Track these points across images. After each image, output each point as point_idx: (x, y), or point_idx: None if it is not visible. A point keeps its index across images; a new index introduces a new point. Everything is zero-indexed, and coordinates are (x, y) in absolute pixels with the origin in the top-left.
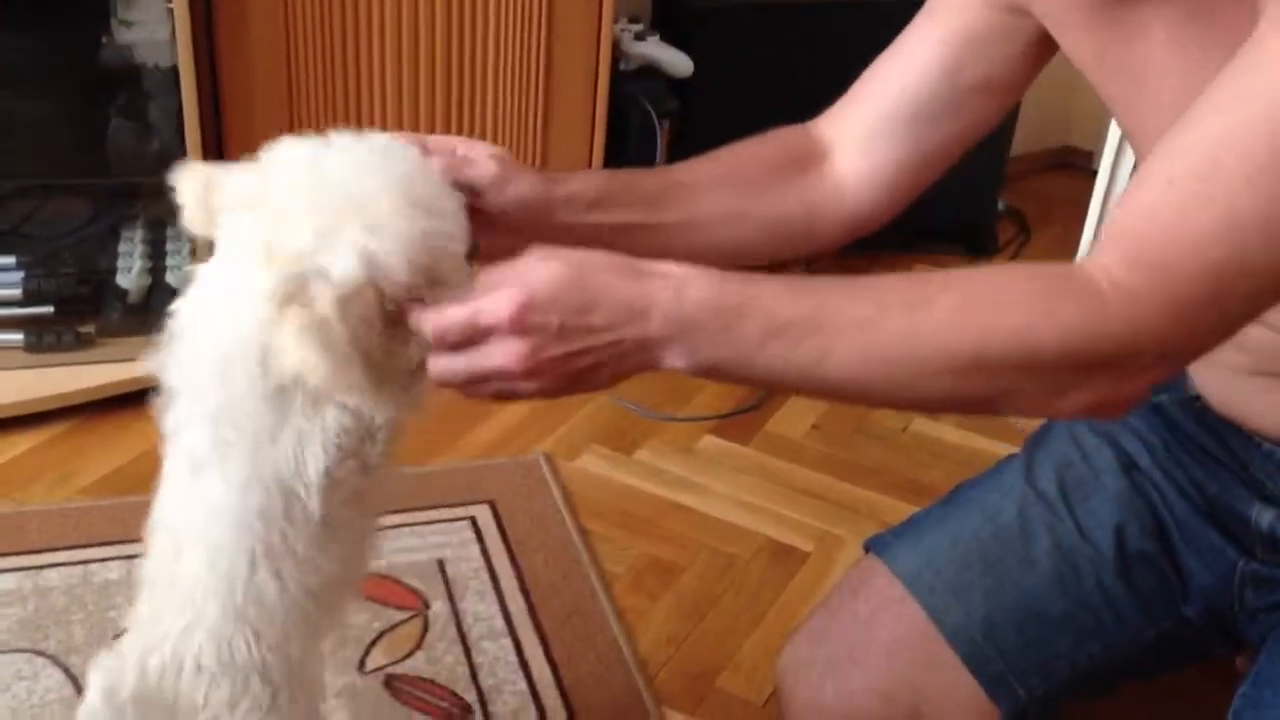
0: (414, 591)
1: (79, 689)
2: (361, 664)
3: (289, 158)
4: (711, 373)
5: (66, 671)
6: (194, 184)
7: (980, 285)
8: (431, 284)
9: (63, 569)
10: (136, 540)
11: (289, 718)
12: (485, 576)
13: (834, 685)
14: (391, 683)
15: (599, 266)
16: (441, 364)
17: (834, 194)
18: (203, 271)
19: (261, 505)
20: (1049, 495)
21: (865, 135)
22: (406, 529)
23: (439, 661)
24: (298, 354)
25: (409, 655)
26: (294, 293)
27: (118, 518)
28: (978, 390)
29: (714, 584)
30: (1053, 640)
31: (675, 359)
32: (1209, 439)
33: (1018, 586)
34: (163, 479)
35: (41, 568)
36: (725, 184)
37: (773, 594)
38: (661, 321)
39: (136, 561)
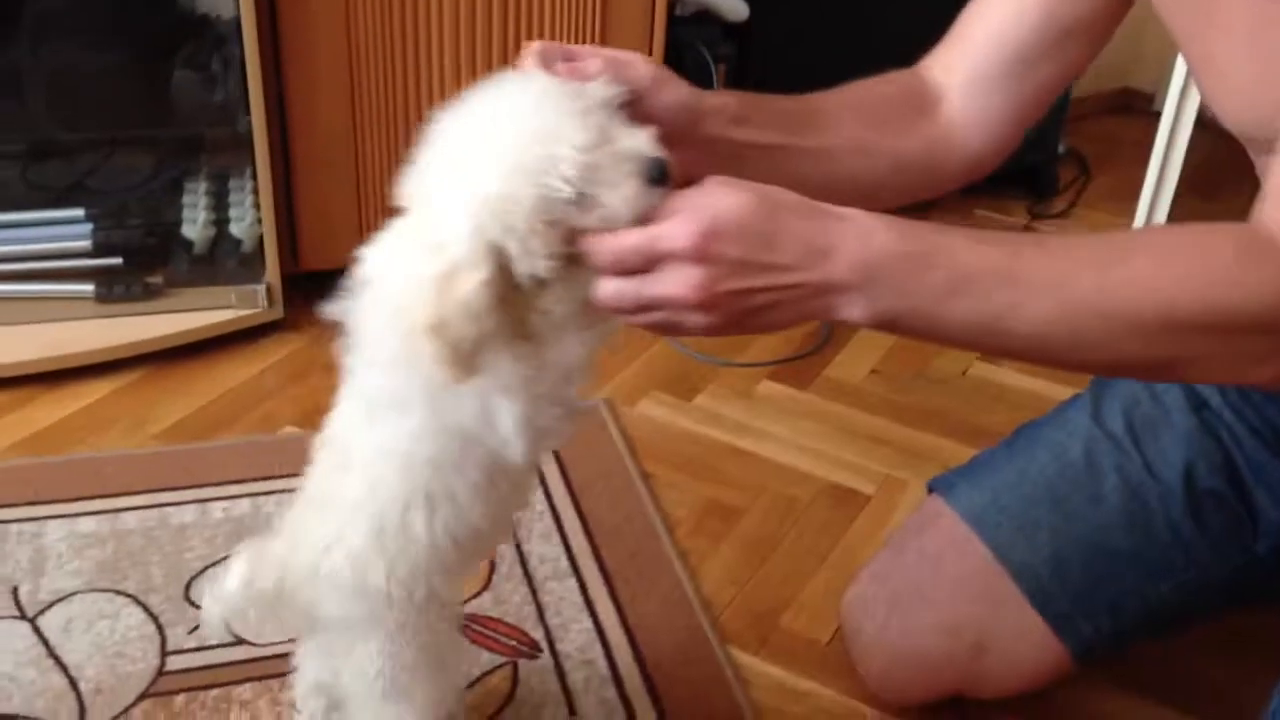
0: None
1: (159, 626)
2: None
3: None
4: (891, 324)
5: (146, 610)
6: None
7: (1173, 245)
8: (589, 211)
9: (139, 512)
10: (209, 484)
11: (407, 650)
12: (549, 519)
13: (899, 621)
14: (464, 625)
15: (785, 202)
16: (612, 287)
17: (948, 137)
18: (395, 222)
19: (433, 453)
20: (1116, 433)
21: (970, 80)
22: None
23: (506, 601)
24: (431, 355)
25: (477, 595)
26: (415, 299)
27: (190, 463)
28: (1166, 353)
29: (776, 526)
30: (1121, 578)
31: (855, 308)
32: None
33: (1085, 524)
34: (340, 406)
35: (119, 511)
36: (855, 116)
37: (834, 536)
38: (847, 266)
39: (210, 505)
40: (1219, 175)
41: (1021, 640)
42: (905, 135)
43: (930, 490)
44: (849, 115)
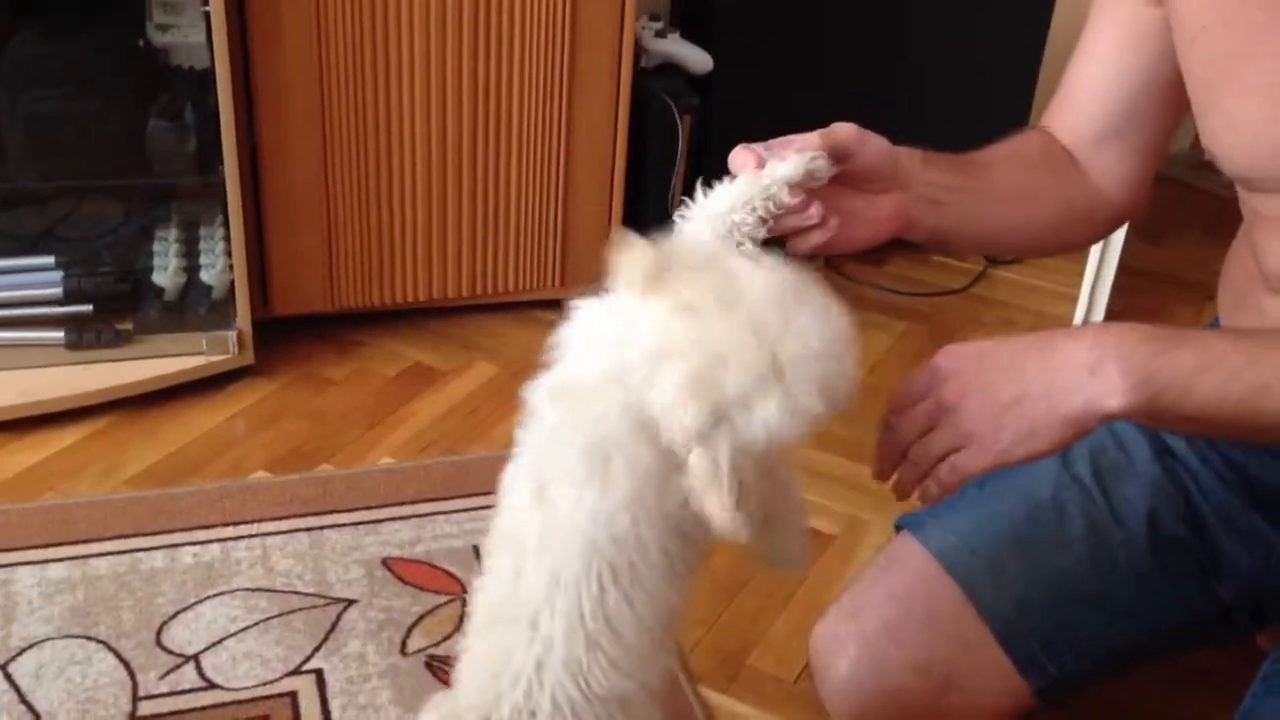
0: (452, 576)
1: (131, 672)
2: (403, 646)
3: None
4: (1149, 404)
5: (118, 655)
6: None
7: None
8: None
9: (110, 558)
10: (179, 529)
11: None
12: None
13: (869, 660)
14: (432, 664)
15: (1001, 362)
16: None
17: (1094, 186)
18: (593, 307)
19: (619, 532)
20: (1083, 479)
21: (1093, 142)
22: (442, 516)
23: None
24: (719, 515)
25: (448, 637)
26: (712, 468)
27: (160, 508)
28: None
29: (742, 567)
30: (1085, 619)
31: (1110, 391)
32: None
33: (1051, 566)
34: (505, 494)
35: (89, 557)
36: (1014, 164)
37: (799, 576)
38: (1086, 346)
39: (180, 550)
40: (1165, 222)
41: (987, 679)
42: (1061, 183)
43: (899, 528)
44: (1009, 163)
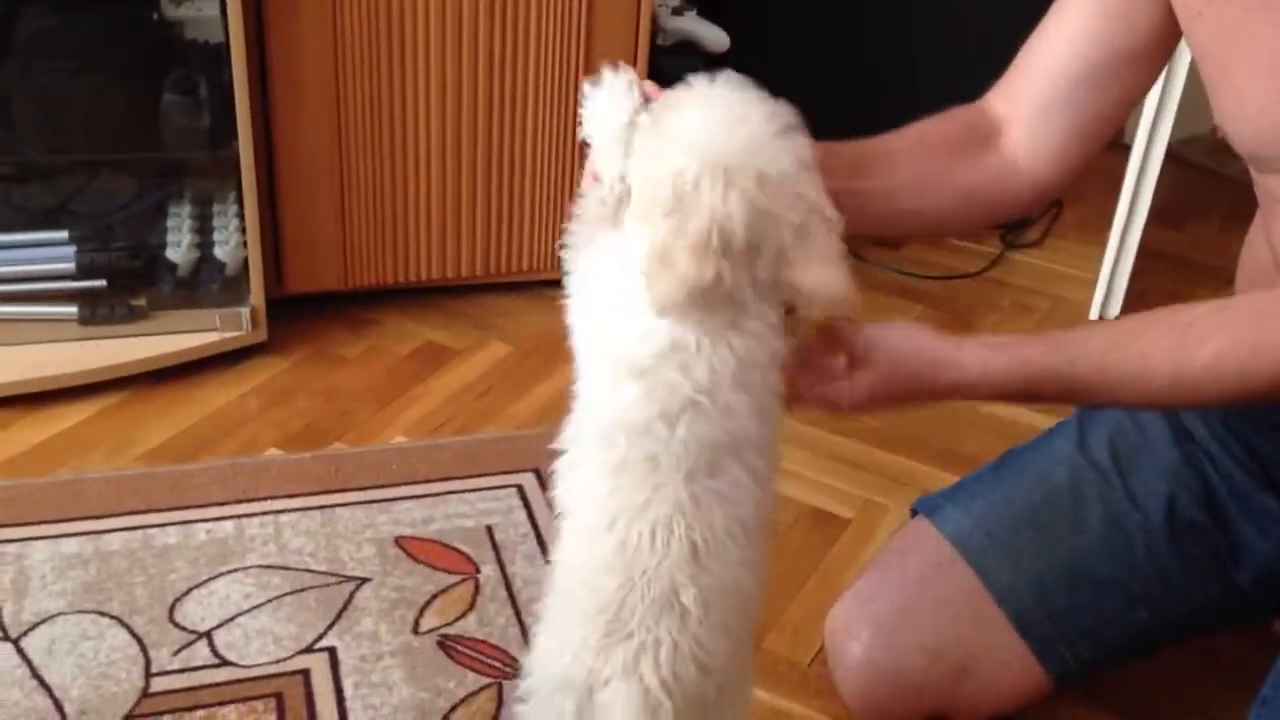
0: (464, 556)
1: (144, 648)
2: (416, 625)
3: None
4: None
5: (130, 631)
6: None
7: (1234, 328)
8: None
9: (123, 533)
10: (192, 506)
11: None
12: (533, 541)
13: (883, 643)
14: (445, 643)
15: (904, 376)
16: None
17: (1012, 167)
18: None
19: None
20: (1101, 463)
21: (1033, 109)
22: (455, 496)
23: (491, 623)
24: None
25: (461, 617)
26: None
27: (173, 484)
28: (1254, 399)
29: None
30: (1102, 604)
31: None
32: (1270, 407)
33: (1068, 550)
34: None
35: (102, 532)
36: (915, 154)
37: (814, 560)
38: (969, 394)
39: (193, 526)
40: (1186, 207)
41: (1003, 663)
42: (965, 168)
43: (914, 512)
44: (910, 154)
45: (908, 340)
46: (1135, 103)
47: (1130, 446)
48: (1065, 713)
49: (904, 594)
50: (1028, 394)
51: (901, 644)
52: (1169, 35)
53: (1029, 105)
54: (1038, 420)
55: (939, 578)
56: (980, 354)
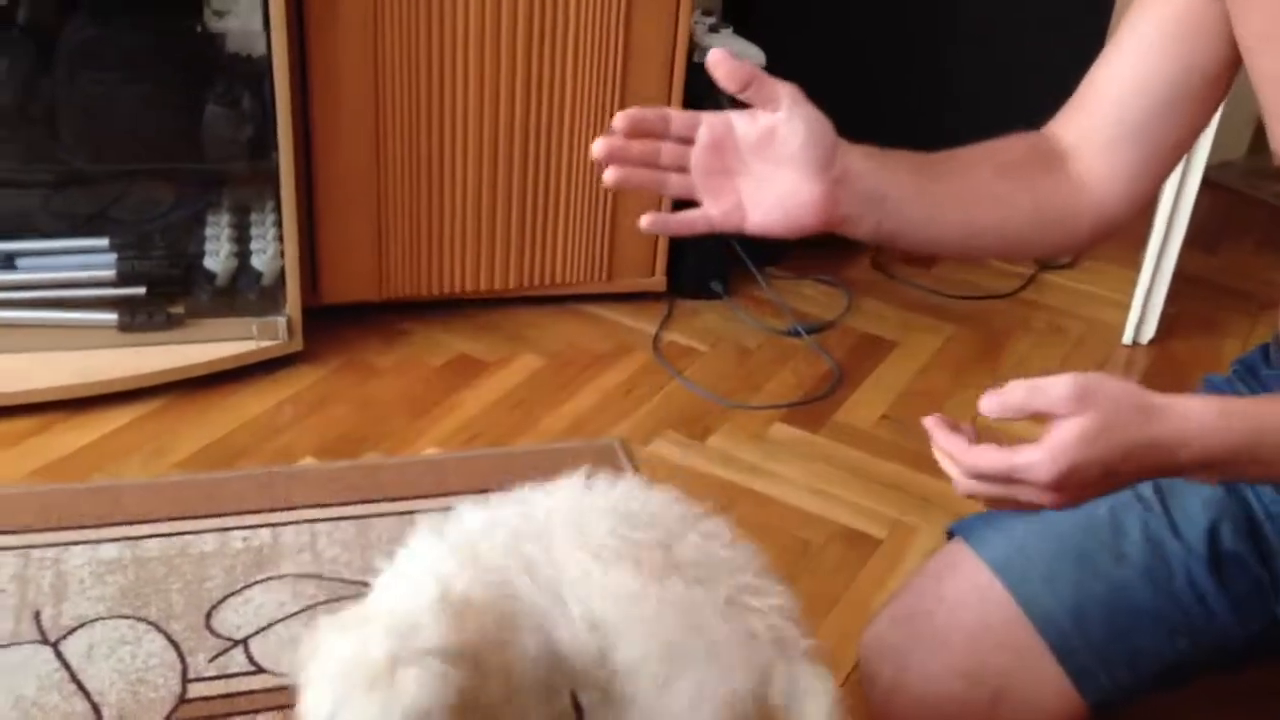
0: None
1: (181, 654)
2: None
3: None
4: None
5: (168, 637)
6: None
7: None
8: None
9: (160, 540)
10: (228, 513)
11: None
12: None
13: (918, 666)
14: None
15: (1124, 420)
16: (970, 485)
17: (1083, 193)
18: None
19: None
20: (1143, 492)
21: (1103, 141)
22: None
23: None
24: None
25: None
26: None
27: (210, 492)
28: None
29: (789, 568)
30: (1141, 634)
31: (1198, 478)
32: None
33: (1108, 579)
34: None
35: (140, 538)
36: (989, 166)
37: (846, 580)
38: (1188, 461)
39: (230, 534)
40: (1221, 231)
41: (1040, 690)
42: (1039, 188)
43: (950, 534)
44: (984, 164)
45: (1116, 382)
46: (1203, 129)
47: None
48: None
49: (940, 618)
50: (1249, 449)
51: (938, 669)
52: (1232, 64)
53: (1099, 136)
54: None
55: (977, 602)
56: (1198, 402)
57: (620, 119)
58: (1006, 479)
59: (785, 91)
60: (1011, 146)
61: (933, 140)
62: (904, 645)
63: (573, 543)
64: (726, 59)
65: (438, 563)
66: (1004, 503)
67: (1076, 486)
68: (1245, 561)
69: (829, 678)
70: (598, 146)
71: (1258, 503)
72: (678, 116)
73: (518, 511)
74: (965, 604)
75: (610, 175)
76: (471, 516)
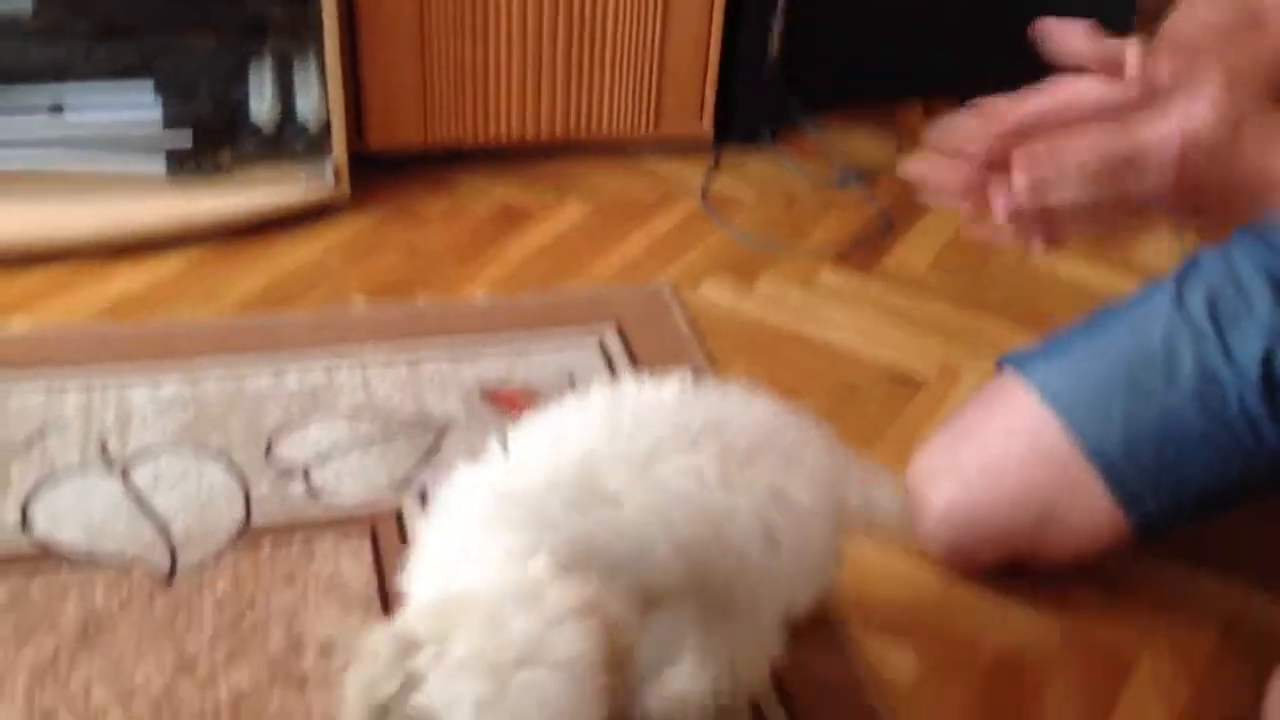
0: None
1: (243, 484)
2: None
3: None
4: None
5: (230, 468)
6: None
7: None
8: None
9: (218, 379)
10: (283, 355)
11: None
12: None
13: (967, 494)
14: None
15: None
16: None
17: None
18: None
19: None
20: (1197, 320)
21: None
22: (536, 347)
23: None
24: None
25: None
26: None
27: (263, 333)
28: None
29: (836, 409)
30: (1191, 459)
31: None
32: None
33: (1159, 406)
34: None
35: (197, 377)
36: None
37: (890, 418)
38: None
39: (285, 374)
40: None
41: (1087, 514)
42: None
43: (1001, 367)
44: None
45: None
46: None
47: (1228, 304)
48: (1148, 562)
49: (990, 446)
50: None
51: (986, 495)
52: None
53: None
54: (1123, 285)
55: (1027, 429)
56: None
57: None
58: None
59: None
60: None
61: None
62: (952, 473)
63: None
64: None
65: (510, 535)
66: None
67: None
68: None
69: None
70: None
71: None
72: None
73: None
74: (1014, 431)
75: None
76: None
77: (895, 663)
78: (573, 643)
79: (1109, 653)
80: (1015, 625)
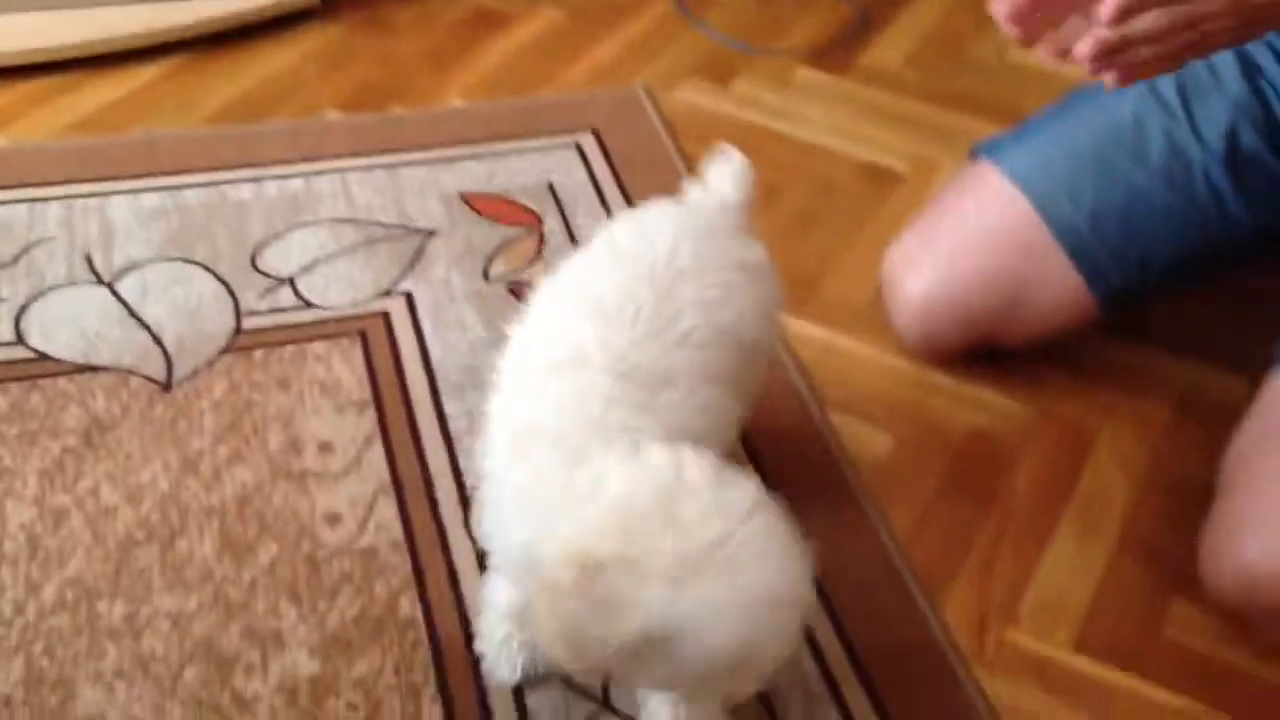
0: (528, 210)
1: (231, 292)
2: (485, 273)
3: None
4: None
5: (217, 277)
6: None
7: None
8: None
9: (198, 189)
10: (262, 164)
11: None
12: (593, 196)
13: (940, 276)
14: (515, 288)
15: None
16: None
17: None
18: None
19: None
20: (1167, 99)
21: None
22: (515, 154)
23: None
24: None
25: (528, 264)
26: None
27: (242, 143)
28: None
29: (814, 203)
30: (1155, 233)
31: None
32: None
33: (1126, 182)
34: None
35: (178, 188)
36: None
37: (869, 211)
38: None
39: (265, 183)
40: None
41: (1055, 291)
42: None
43: (975, 155)
44: None
45: None
46: None
47: (1198, 83)
48: (1105, 343)
49: (962, 229)
50: None
51: (958, 277)
52: None
53: None
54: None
55: (997, 212)
56: None
57: None
58: None
59: None
60: None
61: None
62: (927, 256)
63: None
64: None
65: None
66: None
67: None
68: (1262, 159)
69: None
70: None
71: (1278, 102)
72: None
73: None
74: (986, 214)
75: None
76: None
77: (872, 443)
78: (766, 529)
79: (1073, 428)
80: (985, 406)
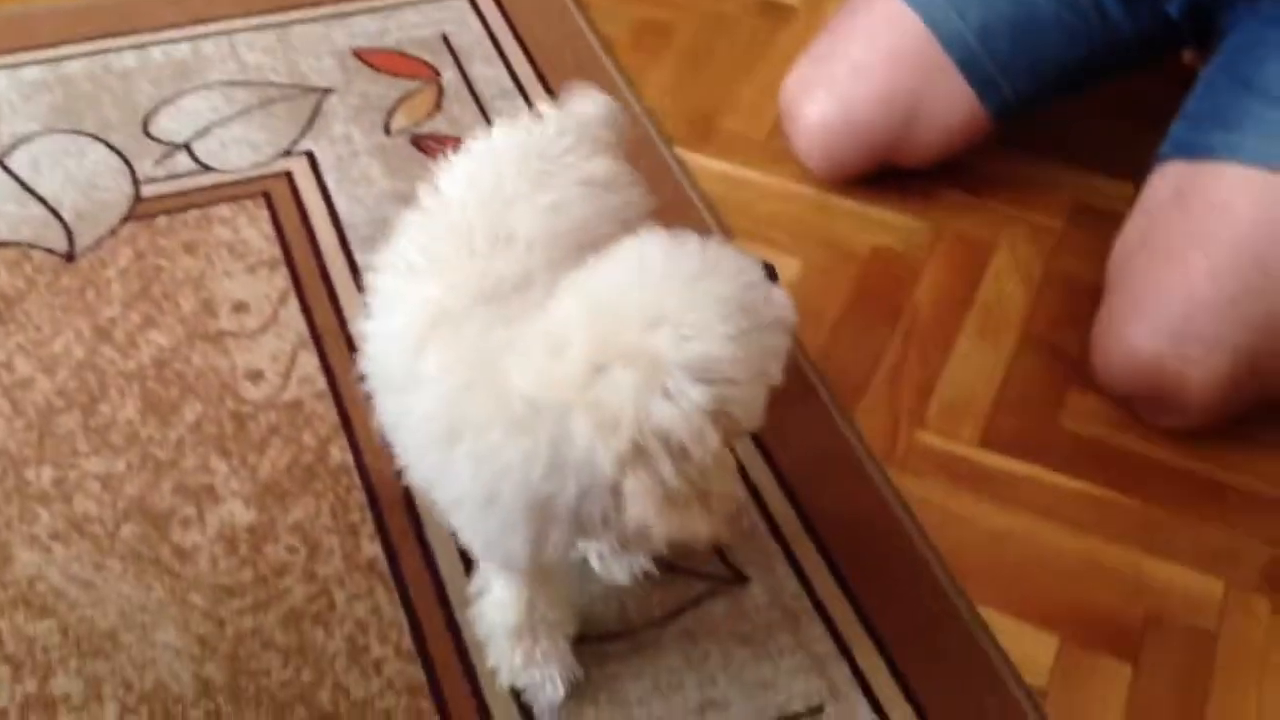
0: (424, 63)
1: (126, 160)
2: (386, 127)
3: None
4: None
5: (110, 146)
6: None
7: None
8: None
9: (81, 60)
10: (145, 30)
11: None
12: (489, 45)
13: (838, 99)
14: (417, 140)
15: None
16: None
17: None
18: None
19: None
20: None
21: None
22: (408, 7)
23: (458, 121)
24: (651, 517)
25: (429, 117)
26: (638, 458)
27: (123, 10)
28: None
29: (708, 40)
30: (1044, 44)
31: None
32: None
33: None
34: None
35: (60, 60)
36: None
37: (763, 46)
38: None
39: (149, 49)
40: None
41: (948, 105)
42: None
43: None
44: None
45: None
46: None
47: None
48: (999, 158)
49: (856, 52)
50: None
51: (855, 98)
52: None
53: None
54: None
55: (890, 32)
56: None
57: None
58: None
59: None
60: None
61: None
62: (823, 81)
63: None
64: None
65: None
66: None
67: None
68: None
69: None
70: None
71: None
72: None
73: None
74: (879, 35)
75: None
76: None
77: (780, 267)
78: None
79: (971, 240)
80: (887, 225)
